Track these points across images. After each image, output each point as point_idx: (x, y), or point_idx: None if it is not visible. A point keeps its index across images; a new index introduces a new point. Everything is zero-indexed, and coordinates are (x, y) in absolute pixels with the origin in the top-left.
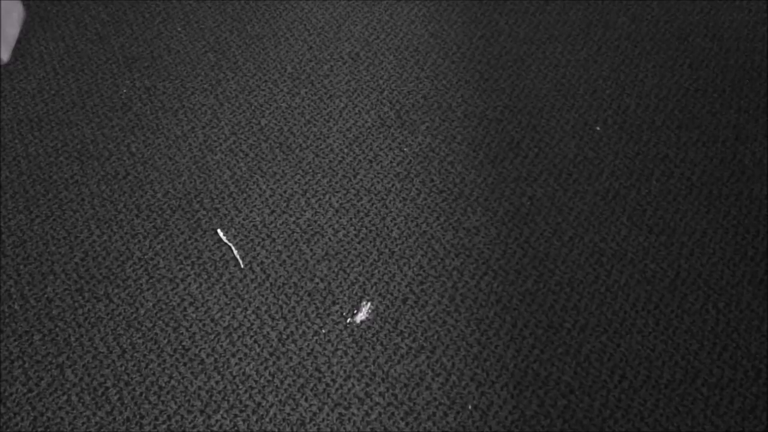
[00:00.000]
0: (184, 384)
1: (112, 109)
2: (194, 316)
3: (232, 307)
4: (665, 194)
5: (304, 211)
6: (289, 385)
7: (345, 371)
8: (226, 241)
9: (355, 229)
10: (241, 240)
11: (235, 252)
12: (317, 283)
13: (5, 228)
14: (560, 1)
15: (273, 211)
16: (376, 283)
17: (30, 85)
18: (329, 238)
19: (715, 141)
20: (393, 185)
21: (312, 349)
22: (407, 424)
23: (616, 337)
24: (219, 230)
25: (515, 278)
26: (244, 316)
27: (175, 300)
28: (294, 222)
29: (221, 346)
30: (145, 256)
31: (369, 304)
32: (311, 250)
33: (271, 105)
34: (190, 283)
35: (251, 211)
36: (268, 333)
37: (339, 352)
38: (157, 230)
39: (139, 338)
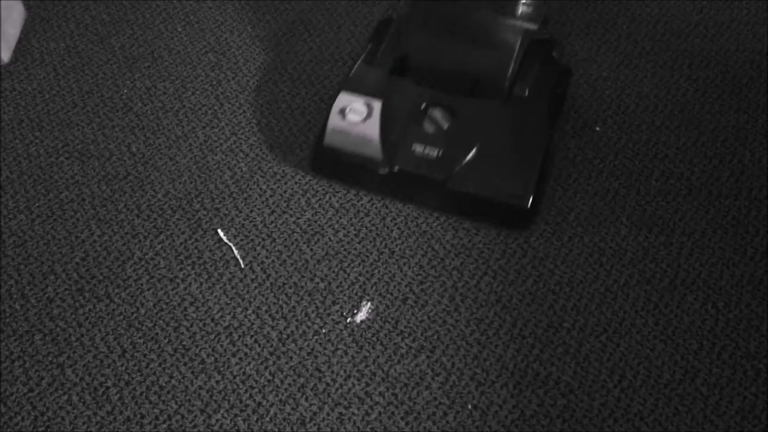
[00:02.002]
0: (185, 384)
1: (112, 110)
2: (195, 315)
3: (232, 307)
4: (665, 194)
5: (304, 211)
6: (289, 384)
7: (345, 371)
8: (226, 241)
9: (355, 229)
10: (242, 240)
11: (236, 252)
12: (317, 283)
13: (6, 228)
14: (560, 1)
15: (273, 211)
16: (376, 283)
17: (30, 85)
18: (329, 238)
19: (714, 141)
20: None
21: (312, 349)
22: (407, 423)
23: (616, 337)
24: (219, 230)
25: (515, 278)
26: (245, 316)
27: (175, 300)
28: (294, 222)
29: (221, 345)
30: (146, 256)
31: (369, 304)
32: (311, 250)
33: (271, 105)
34: (190, 283)
35: (251, 211)
36: (268, 333)
37: (339, 352)
38: (158, 230)
39: (140, 338)
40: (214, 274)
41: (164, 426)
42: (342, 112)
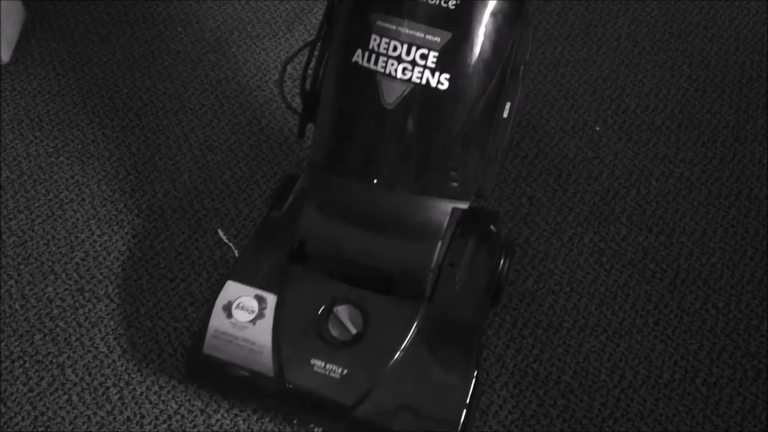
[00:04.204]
0: (185, 383)
1: (112, 110)
2: (195, 315)
3: None
4: (665, 194)
5: None
6: None
7: None
8: (226, 241)
9: None
10: (242, 240)
11: (236, 252)
12: None
13: (6, 228)
14: (560, 1)
15: None
16: None
17: (31, 85)
18: None
19: (714, 141)
20: None
21: None
22: None
23: (616, 337)
24: (219, 230)
25: (515, 278)
26: None
27: (175, 300)
28: None
29: None
30: (146, 256)
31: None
32: None
33: (271, 105)
34: (190, 283)
35: (251, 212)
36: None
37: None
38: (158, 230)
39: (140, 338)
40: (214, 274)
41: (164, 426)
42: (227, 308)
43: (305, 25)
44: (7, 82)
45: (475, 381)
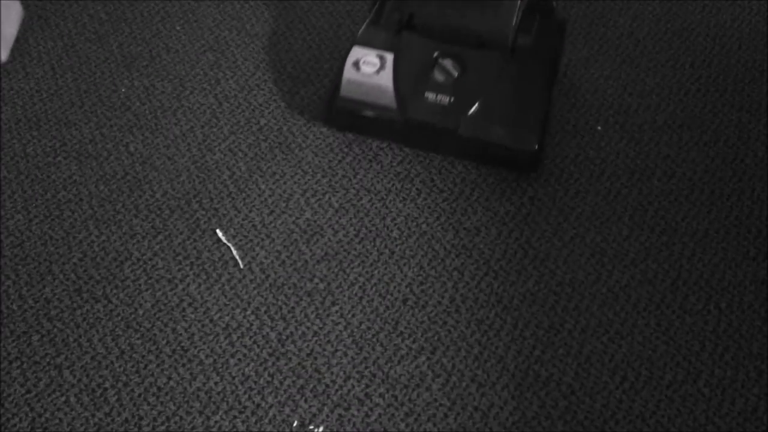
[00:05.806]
0: (183, 385)
1: (110, 109)
2: (193, 316)
3: (231, 308)
4: (667, 194)
5: (304, 211)
6: (288, 386)
7: (345, 372)
8: (225, 241)
9: (355, 229)
10: (240, 240)
11: (234, 252)
12: (317, 284)
13: (3, 228)
14: (561, 0)
15: (272, 211)
16: (375, 284)
17: (28, 84)
18: (329, 238)
19: (716, 140)
20: (393, 185)
21: (312, 350)
22: (407, 425)
23: (618, 338)
24: (218, 230)
25: (516, 279)
26: (244, 317)
27: (173, 300)
28: (293, 222)
29: (220, 346)
30: (144, 257)
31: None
32: (311, 250)
33: (270, 104)
34: (189, 284)
35: (250, 211)
36: (267, 333)
37: (339, 353)
38: (156, 230)
39: (138, 339)
40: (212, 274)
41: (162, 428)
42: (356, 64)
43: (304, 24)
44: (4, 82)
45: (547, 110)
